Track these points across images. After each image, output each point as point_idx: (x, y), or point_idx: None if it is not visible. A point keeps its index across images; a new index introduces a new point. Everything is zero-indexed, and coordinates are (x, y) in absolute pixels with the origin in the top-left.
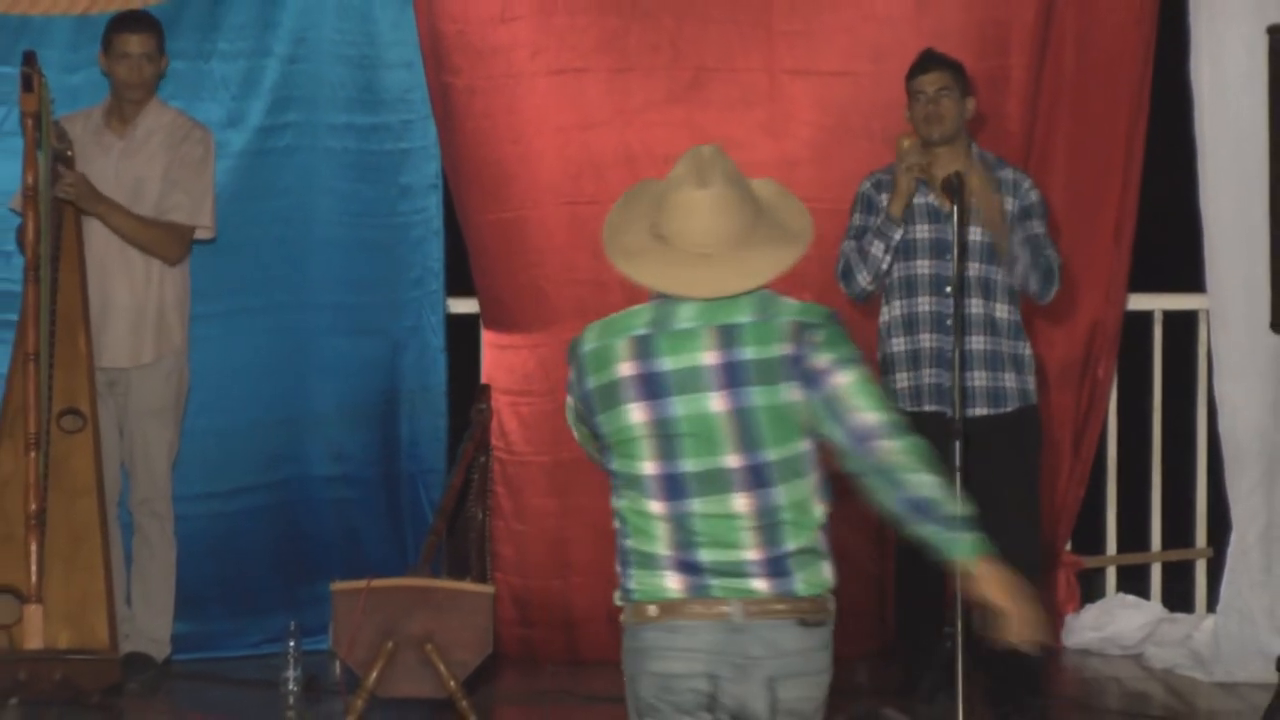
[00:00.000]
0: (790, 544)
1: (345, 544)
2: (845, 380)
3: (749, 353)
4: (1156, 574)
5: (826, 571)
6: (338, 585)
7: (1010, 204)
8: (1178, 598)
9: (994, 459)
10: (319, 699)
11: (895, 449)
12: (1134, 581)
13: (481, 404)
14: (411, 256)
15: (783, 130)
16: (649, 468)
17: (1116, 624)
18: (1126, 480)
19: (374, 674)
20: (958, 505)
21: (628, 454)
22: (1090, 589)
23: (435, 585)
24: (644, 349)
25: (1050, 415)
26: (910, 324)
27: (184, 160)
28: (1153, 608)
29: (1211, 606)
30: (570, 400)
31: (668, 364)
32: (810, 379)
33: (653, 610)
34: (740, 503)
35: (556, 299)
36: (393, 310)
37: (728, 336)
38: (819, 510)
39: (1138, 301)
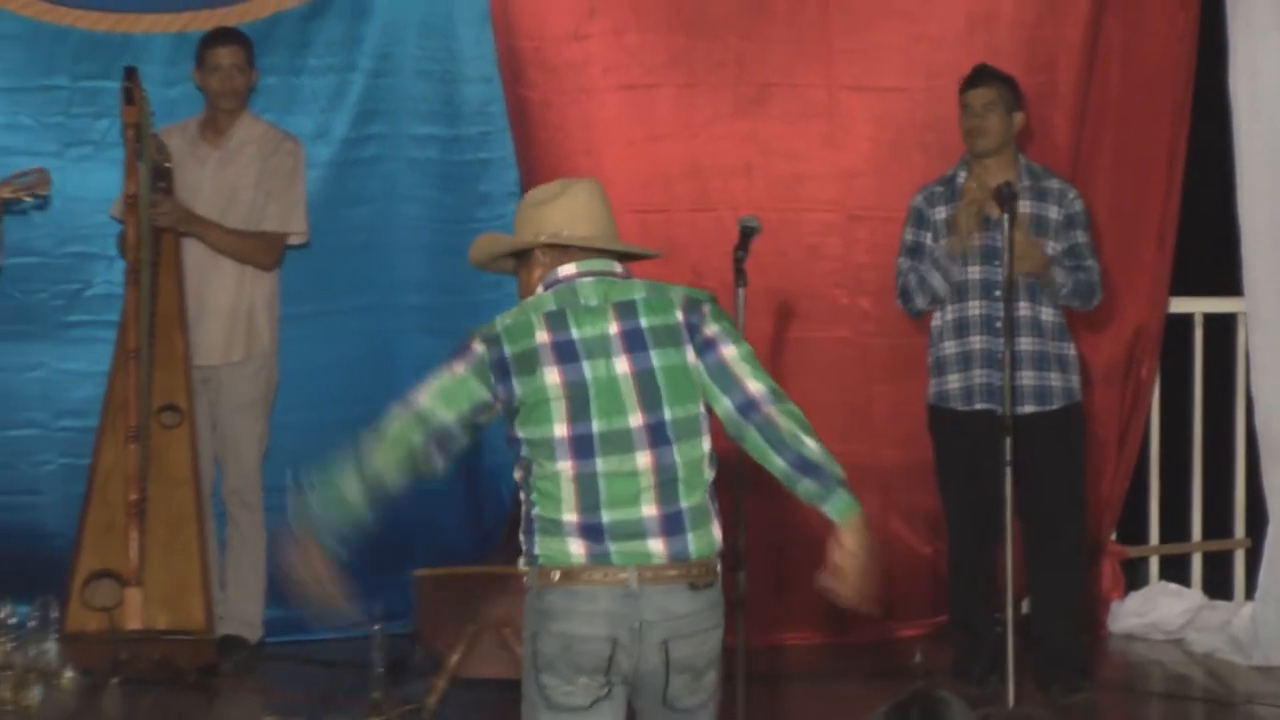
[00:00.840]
0: (685, 501)
1: (428, 533)
2: (731, 352)
3: (645, 321)
4: (1197, 563)
5: (716, 531)
6: (421, 572)
7: (1056, 213)
8: (1217, 586)
9: (1041, 454)
10: (403, 680)
11: (781, 414)
12: (1175, 570)
13: None
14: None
15: (842, 143)
16: (560, 430)
17: (1159, 610)
18: (1168, 474)
19: (455, 656)
20: (837, 467)
21: (541, 418)
22: (1134, 577)
23: (513, 572)
24: (557, 322)
25: (1095, 414)
26: (961, 327)
27: (276, 170)
28: (1193, 595)
29: (1250, 594)
30: (444, 378)
31: (577, 333)
32: (702, 348)
33: (555, 575)
34: (641, 460)
35: None
36: (472, 311)
37: (627, 310)
38: (709, 472)
39: (1179, 305)
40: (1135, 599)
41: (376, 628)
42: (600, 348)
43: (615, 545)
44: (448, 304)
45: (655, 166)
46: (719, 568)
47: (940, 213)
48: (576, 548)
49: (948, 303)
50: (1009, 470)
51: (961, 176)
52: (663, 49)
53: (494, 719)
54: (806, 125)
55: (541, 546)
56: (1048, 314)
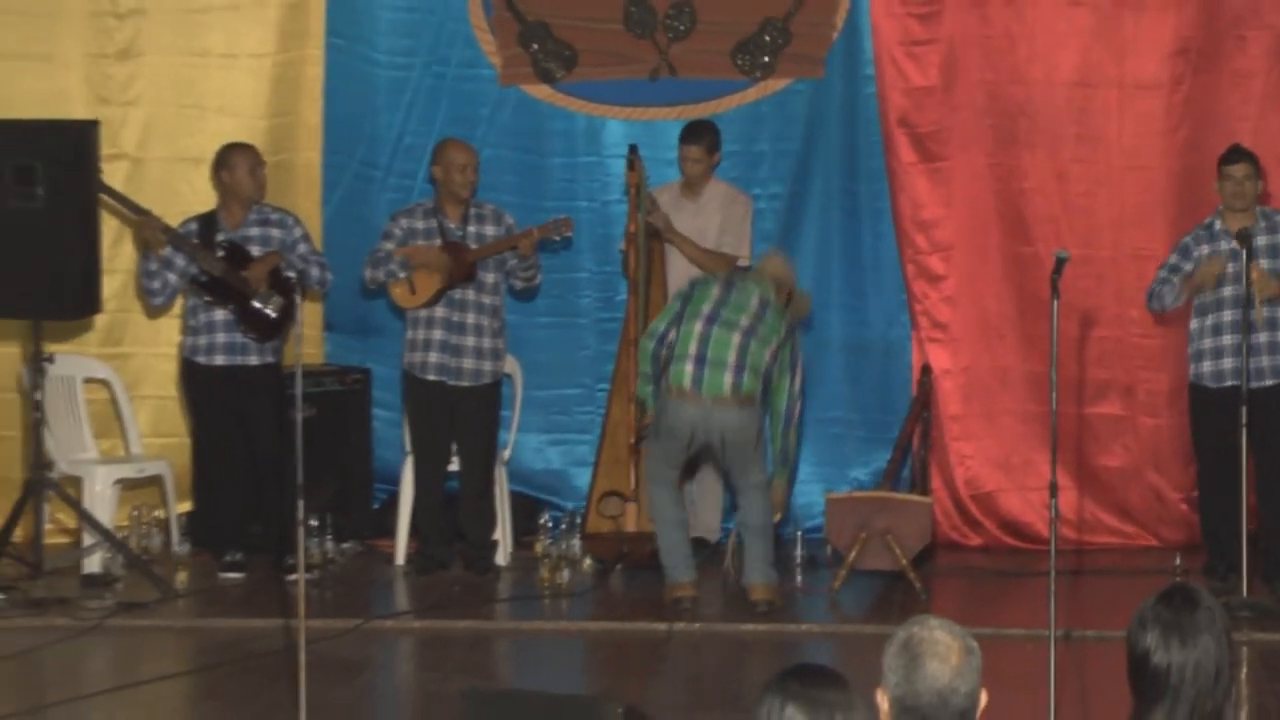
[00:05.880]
0: (748, 360)
1: (836, 473)
2: (798, 381)
3: (773, 308)
4: None
5: (756, 384)
6: (831, 495)
7: None
8: None
9: (1270, 416)
10: (815, 569)
11: (794, 436)
12: None
13: (926, 377)
14: (887, 280)
15: (1121, 204)
16: (705, 307)
17: None
18: None
19: (852, 554)
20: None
21: (696, 304)
22: None
23: (893, 496)
24: (729, 281)
25: None
26: (1217, 329)
27: (731, 215)
28: None
29: None
30: (660, 323)
31: (738, 282)
32: (792, 364)
33: (673, 392)
34: (736, 336)
35: (969, 313)
36: (880, 314)
37: (766, 300)
38: (766, 363)
39: None
40: None
41: (799, 533)
42: (746, 292)
43: (706, 378)
44: (863, 304)
45: (993, 215)
46: (757, 398)
47: (1204, 249)
48: (686, 377)
49: (1209, 311)
50: (1245, 430)
51: (1217, 224)
52: (999, 134)
53: (879, 598)
54: (1097, 191)
55: (673, 371)
56: None
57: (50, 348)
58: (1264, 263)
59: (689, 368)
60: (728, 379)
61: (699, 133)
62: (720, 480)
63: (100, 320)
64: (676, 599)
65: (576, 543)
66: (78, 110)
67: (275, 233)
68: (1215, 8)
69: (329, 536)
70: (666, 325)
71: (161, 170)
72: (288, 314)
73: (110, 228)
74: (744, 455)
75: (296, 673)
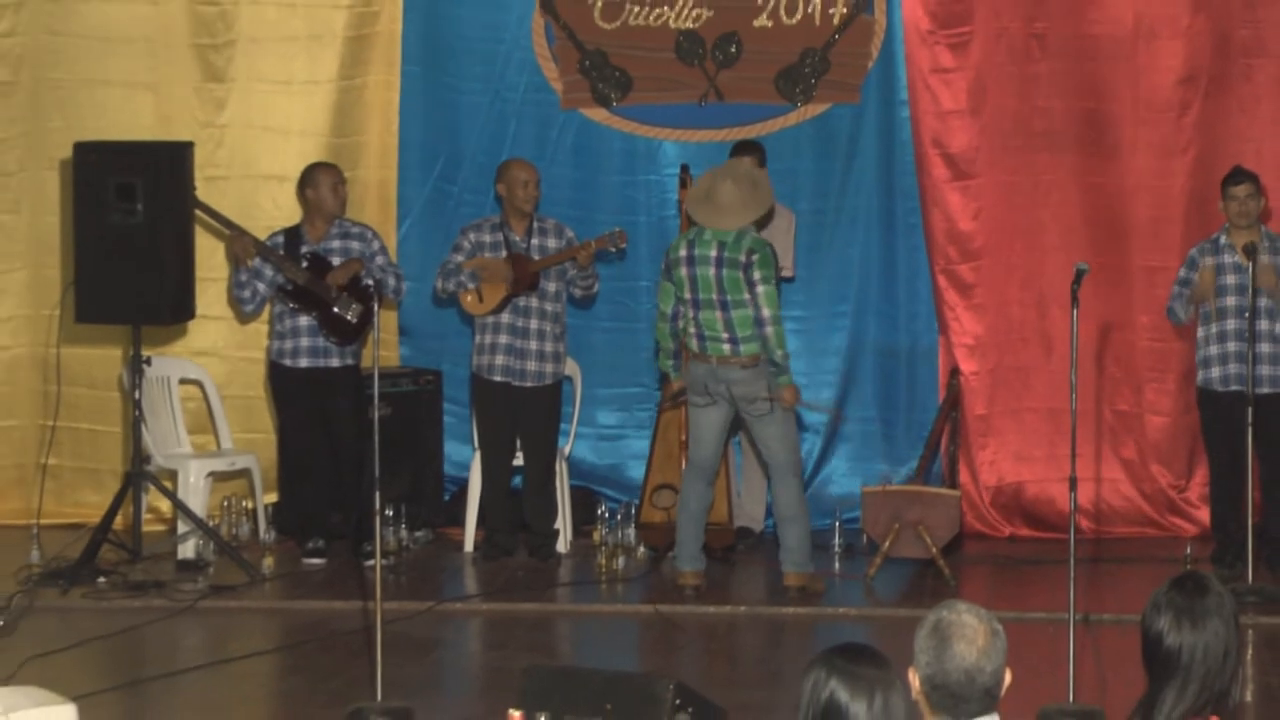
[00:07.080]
0: (738, 333)
1: (867, 467)
2: (759, 290)
3: (727, 254)
4: None
5: (755, 347)
6: (867, 488)
7: None
8: None
9: (1274, 420)
10: (853, 557)
11: (771, 334)
12: None
13: (955, 379)
14: (920, 290)
15: (1136, 217)
16: (687, 294)
17: None
18: None
19: (887, 543)
20: (784, 363)
21: (680, 291)
22: None
23: (924, 490)
24: (690, 247)
25: None
26: (1222, 337)
27: (776, 228)
28: None
29: None
30: (661, 288)
31: (697, 252)
32: (749, 283)
33: (688, 354)
34: (718, 314)
35: (995, 319)
36: (913, 321)
37: (721, 246)
38: (753, 323)
39: None
40: None
41: (837, 523)
42: (705, 262)
43: (708, 344)
44: (897, 312)
45: (1018, 228)
46: (761, 360)
47: (1208, 261)
48: (694, 343)
49: (1213, 320)
50: (1250, 429)
51: (1223, 239)
52: (1020, 154)
53: (913, 585)
54: (1112, 206)
55: (685, 343)
56: None
57: (148, 351)
58: (1265, 258)
59: (694, 342)
60: (726, 347)
61: (748, 149)
62: (762, 477)
63: (194, 326)
64: (680, 586)
65: (631, 532)
66: (181, 133)
67: (355, 245)
68: (1223, 38)
69: (403, 525)
70: (671, 304)
71: (248, 187)
72: (366, 320)
73: (205, 241)
74: (759, 412)
75: (374, 651)
